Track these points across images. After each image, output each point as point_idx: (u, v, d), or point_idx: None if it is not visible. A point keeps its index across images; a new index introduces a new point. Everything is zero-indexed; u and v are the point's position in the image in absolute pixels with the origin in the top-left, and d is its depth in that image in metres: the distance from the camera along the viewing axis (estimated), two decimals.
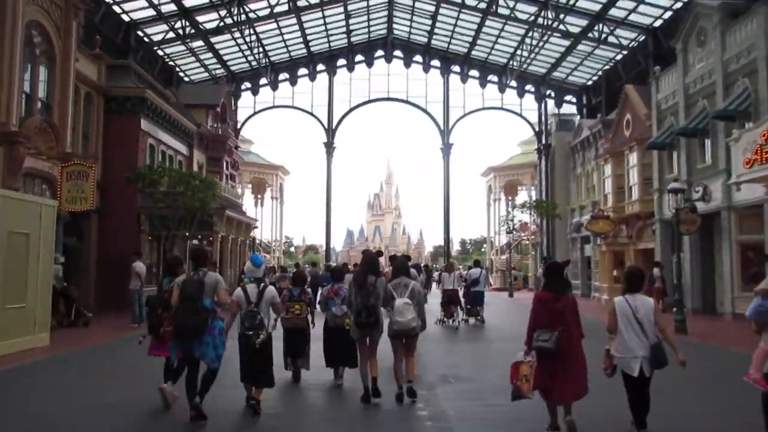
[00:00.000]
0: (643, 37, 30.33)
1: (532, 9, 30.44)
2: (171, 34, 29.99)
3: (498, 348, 12.50)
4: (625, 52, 32.83)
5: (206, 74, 37.36)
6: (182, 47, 32.99)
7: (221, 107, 32.66)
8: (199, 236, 25.43)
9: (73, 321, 16.26)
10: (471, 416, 7.41)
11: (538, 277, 20.69)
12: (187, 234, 21.99)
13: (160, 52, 32.67)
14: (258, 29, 33.41)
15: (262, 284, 7.04)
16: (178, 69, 35.29)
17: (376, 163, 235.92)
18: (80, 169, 17.20)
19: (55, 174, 17.34)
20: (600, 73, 36.38)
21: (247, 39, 33.23)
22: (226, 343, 6.98)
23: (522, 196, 50.36)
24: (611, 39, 30.50)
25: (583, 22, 30.53)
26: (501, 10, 31.27)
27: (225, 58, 36.31)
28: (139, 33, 29.64)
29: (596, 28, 30.48)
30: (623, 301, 5.90)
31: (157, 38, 30.49)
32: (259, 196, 49.85)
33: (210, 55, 35.12)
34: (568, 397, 5.88)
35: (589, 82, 38.51)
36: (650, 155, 25.75)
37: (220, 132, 32.15)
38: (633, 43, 31.07)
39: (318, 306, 9.84)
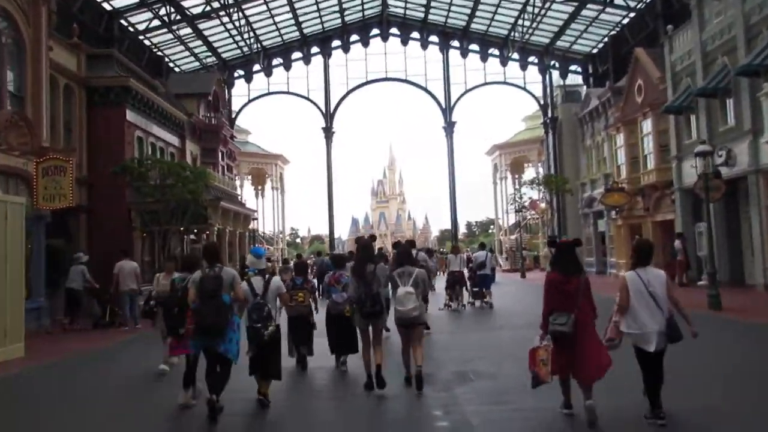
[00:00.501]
0: None
1: None
2: (156, 22, 28.69)
3: (515, 336, 11.33)
4: (632, 15, 31.33)
5: (197, 63, 36.08)
6: (169, 36, 31.71)
7: (213, 96, 31.36)
8: (195, 230, 24.31)
9: (110, 322, 15.98)
10: (500, 425, 6.23)
11: (547, 257, 19.72)
12: (181, 228, 20.81)
13: (146, 42, 31.39)
14: (247, 12, 32.06)
15: (267, 275, 7.05)
16: (166, 59, 34.02)
17: (377, 146, 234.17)
18: (57, 163, 15.99)
19: (30, 171, 16.16)
20: (606, 39, 34.84)
21: (237, 23, 31.87)
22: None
23: (529, 174, 49.15)
24: (618, 0, 28.85)
25: None
26: None
27: (215, 45, 34.98)
28: (123, 22, 28.36)
29: None
30: (635, 276, 5.70)
31: (142, 27, 29.19)
32: (260, 187, 48.65)
33: (199, 42, 33.80)
34: (590, 376, 5.67)
35: (595, 50, 36.95)
36: (666, 121, 24.38)
37: (213, 122, 30.87)
38: (640, 4, 29.49)
39: (321, 294, 10.19)
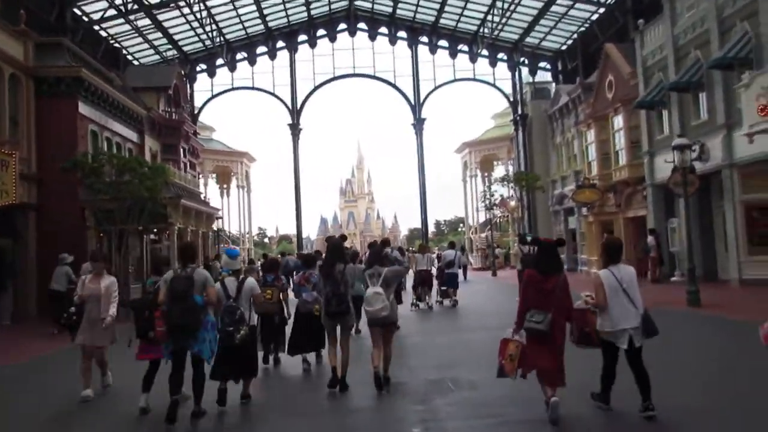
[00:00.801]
0: None
1: None
2: (112, 11, 27.30)
3: (490, 339, 10.60)
4: (601, 11, 31.15)
5: (157, 56, 34.73)
6: (127, 27, 30.34)
7: (174, 90, 30.13)
8: (155, 230, 23.14)
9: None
10: None
11: (518, 255, 19.54)
12: (139, 228, 19.67)
13: (102, 33, 30.00)
14: (209, 3, 30.87)
15: (241, 276, 6.94)
16: (124, 51, 32.63)
17: (345, 144, 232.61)
18: None
19: None
20: (575, 36, 34.68)
21: (198, 15, 30.70)
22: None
23: (499, 172, 48.92)
24: None
25: None
26: None
27: (176, 37, 33.71)
28: (76, 11, 26.94)
29: None
30: (609, 273, 5.70)
31: (97, 16, 27.80)
32: (225, 186, 47.29)
33: (159, 34, 32.49)
34: (555, 382, 5.60)
35: (564, 47, 36.80)
36: (637, 117, 24.15)
37: (174, 117, 29.65)
38: None
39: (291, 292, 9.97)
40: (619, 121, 25.24)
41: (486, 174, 47.99)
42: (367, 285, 7.34)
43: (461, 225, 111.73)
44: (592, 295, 5.74)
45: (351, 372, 7.43)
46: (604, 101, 26.98)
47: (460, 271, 24.07)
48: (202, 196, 27.32)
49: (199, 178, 39.41)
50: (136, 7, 27.35)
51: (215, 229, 32.08)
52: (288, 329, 9.27)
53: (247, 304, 6.83)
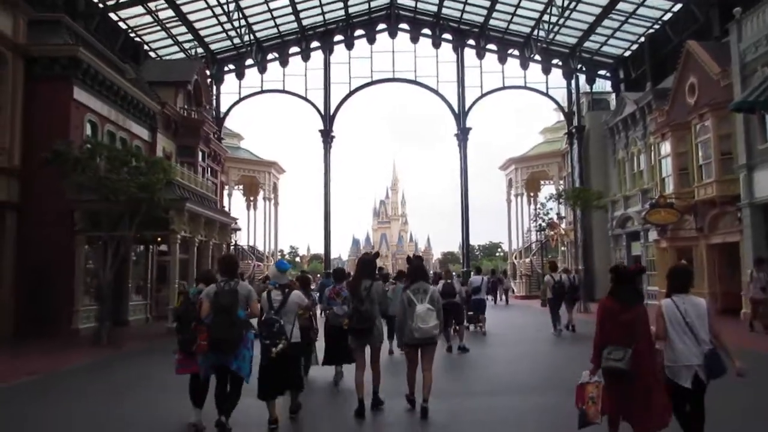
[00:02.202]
0: None
1: None
2: None
3: (525, 408, 7.61)
4: (676, 9, 27.39)
5: (182, 55, 32.07)
6: (148, 18, 27.80)
7: (194, 86, 27.36)
8: (158, 238, 20.09)
9: None
10: None
11: (549, 283, 17.02)
12: (136, 234, 16.55)
13: (122, 25, 27.51)
14: None
15: (287, 290, 6.78)
16: (146, 47, 30.12)
17: (381, 154, 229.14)
18: None
19: None
20: (642, 38, 30.92)
21: (225, 8, 28.03)
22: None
23: (546, 192, 45.02)
24: None
25: None
26: None
27: (202, 33, 31.08)
28: None
29: None
30: (671, 304, 5.18)
31: (112, 2, 25.24)
32: (252, 198, 44.45)
33: (184, 29, 29.89)
34: (648, 425, 4.98)
35: (627, 53, 33.05)
36: (728, 124, 20.31)
37: (193, 115, 26.79)
38: None
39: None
40: (705, 129, 21.36)
41: (532, 194, 44.18)
42: (412, 302, 6.92)
43: (498, 250, 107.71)
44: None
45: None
46: (683, 108, 23.14)
47: (493, 298, 24.21)
48: (216, 202, 24.15)
49: (223, 188, 36.70)
50: None
51: (233, 241, 29.02)
52: (318, 344, 9.32)
53: (290, 317, 6.66)
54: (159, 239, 20.05)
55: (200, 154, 27.24)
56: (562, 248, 39.21)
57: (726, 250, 21.24)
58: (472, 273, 21.32)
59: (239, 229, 29.43)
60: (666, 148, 23.97)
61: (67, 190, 16.16)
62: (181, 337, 6.66)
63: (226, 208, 38.30)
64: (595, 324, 5.30)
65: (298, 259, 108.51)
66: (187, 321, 6.61)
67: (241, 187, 44.50)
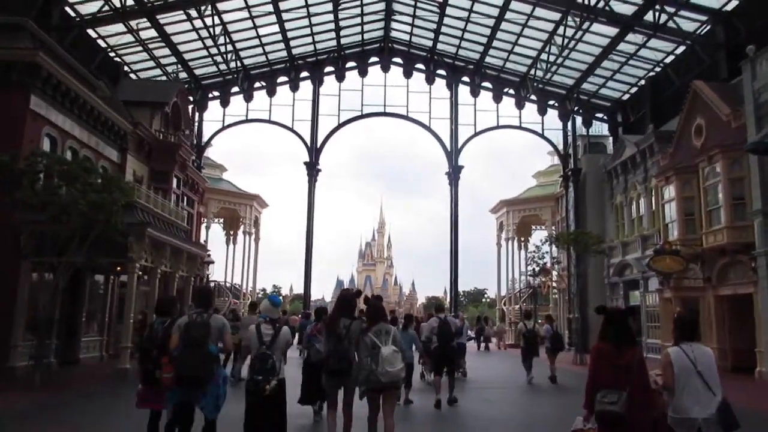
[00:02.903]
0: (708, 27, 24.00)
1: None
2: (106, 8, 23.21)
3: None
4: (678, 51, 26.51)
5: (164, 78, 30.65)
6: (130, 38, 26.40)
7: (172, 109, 25.80)
8: (118, 267, 18.14)
9: None
10: None
11: (521, 331, 16.85)
12: (88, 261, 14.63)
13: (102, 43, 26.06)
14: (225, 19, 26.98)
15: (278, 325, 6.43)
16: (127, 68, 28.64)
17: (367, 194, 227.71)
18: None
19: None
20: (641, 82, 30.03)
21: (211, 31, 26.74)
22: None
23: (537, 237, 43.56)
24: (670, 24, 23.89)
25: (632, 9, 24.16)
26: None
27: (186, 56, 29.75)
28: (68, 10, 23.01)
29: (646, 17, 24.09)
30: (680, 351, 4.94)
31: (90, 17, 23.78)
32: (232, 232, 42.55)
33: (167, 51, 28.53)
34: None
35: (626, 96, 32.14)
36: (740, 167, 19.04)
37: (171, 139, 25.15)
38: (703, 27, 24.44)
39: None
40: (714, 172, 20.06)
41: (523, 239, 42.69)
42: (375, 345, 6.51)
43: (484, 297, 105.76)
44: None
45: None
46: (689, 150, 21.94)
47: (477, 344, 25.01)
48: (185, 231, 22.24)
49: (201, 220, 34.87)
50: (135, 6, 23.24)
51: (206, 275, 27.03)
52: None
53: (279, 354, 6.24)
54: (119, 268, 18.09)
55: (175, 180, 25.51)
56: (554, 295, 37.52)
57: (737, 302, 19.65)
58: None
59: (212, 262, 27.49)
60: (670, 192, 22.61)
61: (11, 210, 14.29)
62: (143, 367, 6.38)
63: (203, 241, 36.43)
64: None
65: (281, 297, 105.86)
66: (148, 350, 6.34)
67: (221, 220, 42.73)
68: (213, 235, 38.32)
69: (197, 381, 5.75)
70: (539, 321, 26.63)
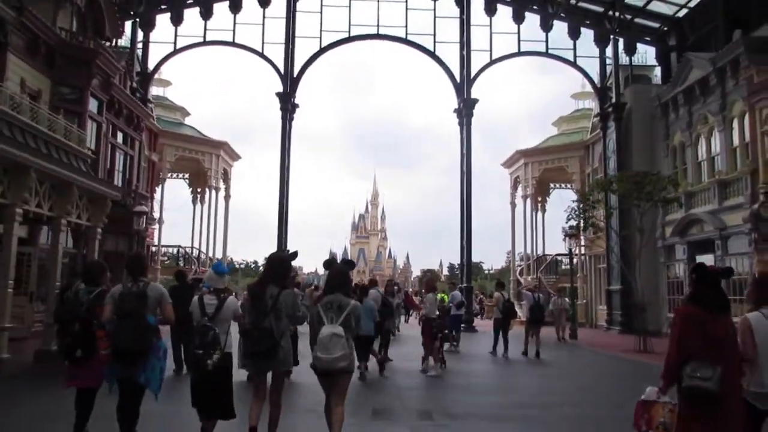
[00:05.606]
0: None
1: None
2: None
3: None
4: None
5: None
6: None
7: (91, 5, 19.00)
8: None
9: None
10: None
11: (499, 301, 15.74)
12: None
13: None
14: None
15: (223, 295, 5.87)
16: None
17: (360, 166, 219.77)
18: None
19: None
20: None
21: None
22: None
23: (556, 197, 37.20)
24: None
25: None
26: None
27: None
28: None
29: None
30: (761, 318, 4.40)
31: None
32: (199, 190, 35.95)
33: None
34: None
35: (682, 12, 25.49)
36: None
37: (89, 44, 18.41)
38: None
39: None
40: None
41: (540, 199, 36.36)
42: (320, 320, 5.46)
43: (485, 270, 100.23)
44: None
45: None
46: None
47: None
48: (86, 160, 15.41)
49: (154, 170, 28.35)
50: None
51: (143, 232, 20.53)
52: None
53: (225, 326, 5.69)
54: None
55: (95, 103, 18.85)
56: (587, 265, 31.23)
57: None
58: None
59: (145, 212, 20.89)
60: None
61: None
62: (61, 342, 6.01)
63: (158, 197, 29.90)
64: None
65: (261, 269, 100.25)
66: (69, 322, 5.84)
67: (186, 175, 36.11)
68: (177, 193, 31.92)
69: (135, 354, 5.32)
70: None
